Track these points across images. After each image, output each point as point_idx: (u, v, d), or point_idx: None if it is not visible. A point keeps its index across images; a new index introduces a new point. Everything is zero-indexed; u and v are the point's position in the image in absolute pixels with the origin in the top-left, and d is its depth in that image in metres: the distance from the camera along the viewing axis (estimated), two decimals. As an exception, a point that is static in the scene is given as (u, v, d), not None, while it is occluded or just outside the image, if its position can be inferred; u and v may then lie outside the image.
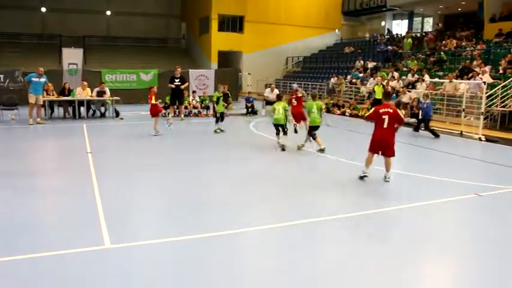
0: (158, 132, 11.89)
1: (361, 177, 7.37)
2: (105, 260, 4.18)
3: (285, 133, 10.27)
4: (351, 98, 20.50)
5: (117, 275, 3.91)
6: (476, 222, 5.68)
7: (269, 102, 14.70)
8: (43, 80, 13.89)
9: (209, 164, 8.71)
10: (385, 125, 7.20)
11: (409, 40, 23.91)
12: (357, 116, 17.68)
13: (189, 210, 5.77)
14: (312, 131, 9.92)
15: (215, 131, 12.52)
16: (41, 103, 14.07)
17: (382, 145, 7.29)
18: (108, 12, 34.15)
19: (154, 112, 11.99)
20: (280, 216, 5.56)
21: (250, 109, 17.84)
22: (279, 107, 10.19)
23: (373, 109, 7.63)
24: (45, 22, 32.25)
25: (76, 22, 31.45)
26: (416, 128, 13.23)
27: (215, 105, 12.63)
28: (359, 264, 4.24)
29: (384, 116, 7.21)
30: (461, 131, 12.84)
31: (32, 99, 13.53)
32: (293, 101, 11.63)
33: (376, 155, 7.37)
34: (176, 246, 4.58)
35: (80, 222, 5.17)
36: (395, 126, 7.26)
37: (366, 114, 8.18)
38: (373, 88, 18.11)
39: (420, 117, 13.00)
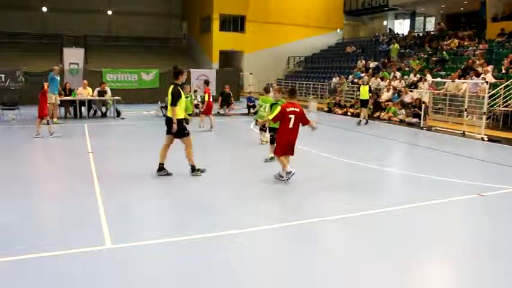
0: (39, 135, 10.97)
1: (288, 179, 6.91)
2: (106, 260, 4.17)
3: (264, 130, 10.28)
4: (353, 98, 20.47)
5: (118, 274, 3.90)
6: (478, 223, 5.64)
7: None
8: (58, 78, 14.35)
9: (209, 163, 8.68)
10: (291, 125, 6.82)
11: (396, 46, 23.84)
12: (358, 115, 17.63)
13: (190, 210, 5.75)
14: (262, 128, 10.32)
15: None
16: (58, 102, 14.44)
17: (289, 146, 6.91)
18: (109, 12, 34.20)
19: (43, 113, 11.12)
20: (281, 216, 5.53)
21: (251, 109, 17.82)
22: (267, 104, 9.89)
23: (278, 109, 6.95)
24: (46, 22, 32.30)
25: (77, 22, 31.49)
26: None
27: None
28: (359, 264, 4.21)
29: (290, 116, 6.81)
30: (464, 131, 12.78)
31: (51, 98, 13.44)
32: (207, 96, 13.27)
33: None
34: (177, 246, 4.56)
35: (81, 222, 5.15)
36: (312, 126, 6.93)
37: (272, 116, 7.03)
38: (360, 88, 17.26)
39: None
